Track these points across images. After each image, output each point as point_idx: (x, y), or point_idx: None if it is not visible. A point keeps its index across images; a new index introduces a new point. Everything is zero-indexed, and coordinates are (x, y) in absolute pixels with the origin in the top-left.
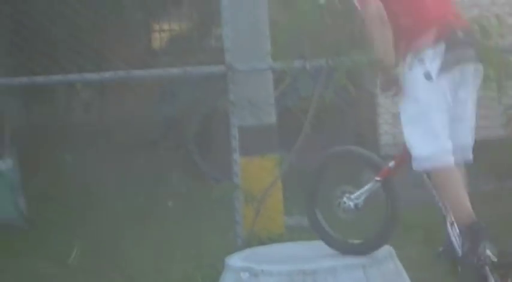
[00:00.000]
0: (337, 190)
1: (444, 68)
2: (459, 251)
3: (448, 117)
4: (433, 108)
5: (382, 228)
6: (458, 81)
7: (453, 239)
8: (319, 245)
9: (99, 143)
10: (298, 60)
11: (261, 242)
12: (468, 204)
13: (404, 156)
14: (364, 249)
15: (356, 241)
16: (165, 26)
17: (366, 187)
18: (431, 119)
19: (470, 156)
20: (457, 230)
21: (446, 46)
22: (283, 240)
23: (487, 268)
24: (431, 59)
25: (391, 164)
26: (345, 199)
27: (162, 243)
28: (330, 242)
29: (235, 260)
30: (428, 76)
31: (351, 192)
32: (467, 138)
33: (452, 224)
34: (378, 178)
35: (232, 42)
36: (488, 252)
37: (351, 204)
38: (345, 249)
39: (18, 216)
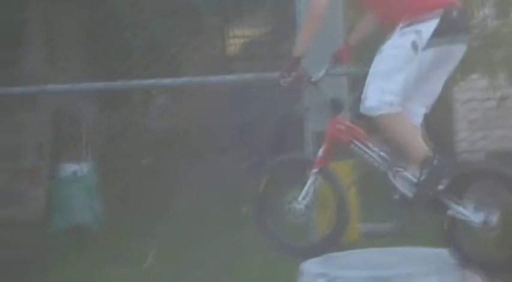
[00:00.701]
0: (284, 199)
1: (434, 43)
2: (408, 194)
3: (412, 84)
4: (404, 73)
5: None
6: (443, 58)
7: (399, 186)
8: (394, 252)
9: (174, 148)
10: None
11: (336, 248)
12: (421, 140)
13: (329, 142)
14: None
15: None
16: (240, 32)
17: (308, 184)
18: (396, 80)
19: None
20: (404, 174)
21: (441, 23)
22: (358, 247)
23: (442, 198)
24: (424, 32)
25: (320, 152)
26: (294, 204)
27: (236, 248)
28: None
29: (310, 266)
30: (415, 47)
31: (297, 196)
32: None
33: (395, 173)
34: (313, 170)
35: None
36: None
37: (301, 207)
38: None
39: (95, 220)
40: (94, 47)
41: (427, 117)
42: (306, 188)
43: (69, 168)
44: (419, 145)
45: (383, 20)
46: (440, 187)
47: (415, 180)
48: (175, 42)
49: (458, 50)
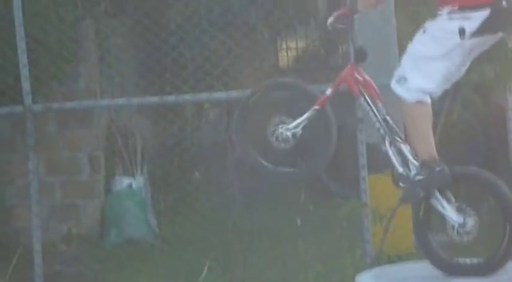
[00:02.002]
0: (273, 120)
1: (479, 32)
2: (398, 168)
3: (453, 72)
4: (446, 60)
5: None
6: (479, 46)
7: (391, 156)
8: None
9: (226, 161)
10: None
11: (390, 261)
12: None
13: (340, 86)
14: None
15: None
16: (292, 44)
17: (304, 116)
18: (439, 68)
19: None
20: (401, 147)
21: (491, 13)
22: (413, 259)
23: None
24: (473, 20)
25: (328, 91)
26: (281, 129)
27: (290, 261)
28: None
29: (364, 278)
30: (462, 33)
31: (287, 122)
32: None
33: (393, 142)
34: (316, 107)
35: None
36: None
37: (288, 133)
38: None
39: (149, 233)
40: (147, 61)
41: (481, 128)
42: (300, 119)
43: (124, 181)
44: (432, 144)
45: None
46: (432, 192)
47: (410, 157)
48: (228, 55)
49: (495, 39)
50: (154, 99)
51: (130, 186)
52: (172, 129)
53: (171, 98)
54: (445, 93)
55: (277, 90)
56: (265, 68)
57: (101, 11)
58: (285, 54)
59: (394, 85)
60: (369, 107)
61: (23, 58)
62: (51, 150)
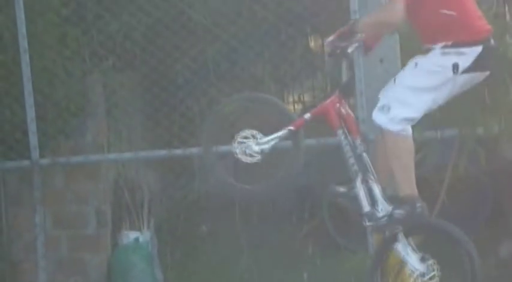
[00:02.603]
0: (243, 132)
1: (471, 69)
2: (365, 206)
3: (438, 104)
4: (435, 92)
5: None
6: (469, 82)
7: (361, 194)
8: None
9: (234, 213)
10: (430, 129)
11: None
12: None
13: (320, 114)
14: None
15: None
16: (299, 97)
17: (277, 134)
18: (427, 100)
19: None
20: (373, 186)
21: (482, 50)
22: None
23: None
24: (468, 56)
25: (307, 116)
26: (250, 143)
27: None
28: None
29: None
30: (455, 68)
31: (258, 137)
32: None
33: (365, 180)
34: (291, 127)
35: (367, 112)
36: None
37: (256, 148)
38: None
39: None
40: (155, 114)
41: (488, 181)
42: (272, 136)
43: (131, 235)
44: (413, 179)
45: (424, 34)
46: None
47: (380, 197)
48: None
49: (483, 76)
50: (162, 152)
51: (137, 240)
52: (180, 183)
53: (178, 152)
54: (451, 147)
55: (254, 104)
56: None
57: (108, 65)
58: (292, 107)
59: (376, 114)
60: (346, 142)
61: (30, 113)
62: (58, 204)
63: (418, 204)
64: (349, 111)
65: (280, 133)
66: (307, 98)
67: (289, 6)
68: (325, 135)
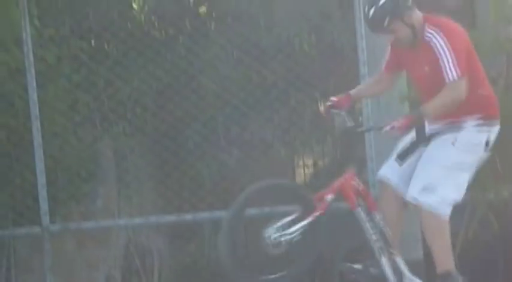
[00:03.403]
0: (269, 227)
1: (491, 145)
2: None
3: None
4: (471, 170)
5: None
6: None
7: (387, 268)
8: None
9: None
10: None
11: None
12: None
13: (337, 193)
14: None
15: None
16: (309, 161)
17: (306, 221)
18: (466, 178)
19: None
20: (398, 259)
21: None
22: None
23: None
24: (493, 132)
25: (329, 197)
26: (275, 234)
27: None
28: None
29: None
30: (487, 145)
31: (284, 228)
32: None
33: (389, 255)
34: (318, 212)
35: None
36: None
37: (284, 239)
38: None
39: None
40: (165, 179)
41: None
42: (300, 224)
43: None
44: (451, 255)
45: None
46: None
47: (405, 270)
48: (245, 173)
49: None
50: (172, 217)
51: None
52: (190, 248)
53: (188, 216)
54: (462, 213)
55: (272, 193)
56: None
57: (119, 130)
58: (302, 171)
59: (420, 195)
60: (367, 218)
61: (41, 178)
62: (68, 270)
63: (459, 279)
64: (363, 187)
65: (309, 220)
66: (317, 161)
67: (299, 71)
68: (335, 199)
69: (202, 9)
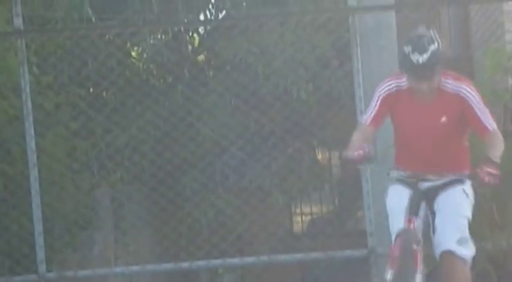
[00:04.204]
0: None
1: None
2: None
3: None
4: None
5: None
6: None
7: None
8: None
9: None
10: None
11: None
12: None
13: None
14: None
15: None
16: (307, 209)
17: None
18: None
19: None
20: None
21: None
22: None
23: None
24: None
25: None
26: None
27: None
28: None
29: None
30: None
31: None
32: None
33: None
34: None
35: (375, 226)
36: None
37: None
38: None
39: None
40: (163, 227)
41: None
42: None
43: None
44: None
45: (452, 163)
46: None
47: None
48: (243, 220)
49: None
50: (169, 265)
51: None
52: None
53: (185, 265)
54: None
55: None
56: (279, 233)
57: (116, 178)
58: (299, 219)
59: (458, 248)
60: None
61: (38, 226)
62: None
63: None
64: None
65: None
66: (314, 209)
67: (296, 119)
68: (334, 248)
69: (201, 57)
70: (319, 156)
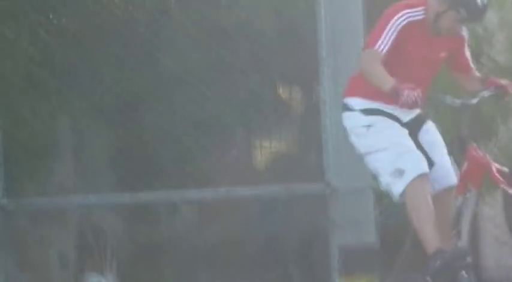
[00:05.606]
0: None
1: None
2: None
3: None
4: None
5: None
6: None
7: None
8: None
9: (198, 260)
10: None
11: None
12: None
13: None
14: None
15: None
16: (266, 143)
17: None
18: None
19: None
20: None
21: None
22: None
23: None
24: None
25: None
26: None
27: None
28: None
29: None
30: None
31: None
32: None
33: None
34: None
35: (332, 160)
36: None
37: None
38: None
39: None
40: (121, 158)
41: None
42: None
43: (94, 279)
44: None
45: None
46: None
47: None
48: (202, 154)
49: None
50: (126, 196)
51: None
52: (145, 228)
53: (143, 196)
54: None
55: None
56: (239, 167)
57: (76, 107)
58: (259, 153)
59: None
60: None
61: None
62: (21, 247)
63: (446, 256)
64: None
65: None
66: (274, 143)
67: (258, 52)
68: (292, 181)
69: None
70: (280, 90)
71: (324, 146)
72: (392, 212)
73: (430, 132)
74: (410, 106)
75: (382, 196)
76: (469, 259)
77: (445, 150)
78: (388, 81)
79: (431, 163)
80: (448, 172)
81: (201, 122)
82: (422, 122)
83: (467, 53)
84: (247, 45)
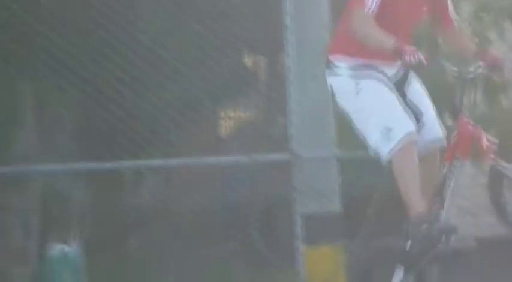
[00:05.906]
0: None
1: None
2: None
3: None
4: None
5: None
6: None
7: None
8: None
9: (163, 228)
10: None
11: None
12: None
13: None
14: None
15: None
16: (231, 113)
17: None
18: None
19: None
20: None
21: None
22: None
23: None
24: None
25: None
26: None
27: None
28: None
29: None
30: None
31: None
32: None
33: None
34: None
35: (296, 129)
36: None
37: None
38: None
39: None
40: (86, 126)
41: None
42: None
43: (57, 248)
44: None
45: None
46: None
47: None
48: (167, 122)
49: None
50: (92, 165)
51: (64, 252)
52: (110, 195)
53: (108, 165)
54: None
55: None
56: (203, 135)
57: (38, 73)
58: (225, 123)
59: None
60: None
61: None
62: None
63: (424, 226)
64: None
65: None
66: (240, 114)
67: (223, 22)
68: (257, 151)
69: None
70: (245, 60)
71: (288, 114)
72: (354, 183)
73: (415, 84)
74: (415, 66)
75: (345, 165)
76: (450, 225)
77: (430, 103)
78: (388, 41)
79: (419, 113)
80: (433, 125)
81: (166, 92)
82: (407, 74)
83: (449, 6)
84: (213, 15)
